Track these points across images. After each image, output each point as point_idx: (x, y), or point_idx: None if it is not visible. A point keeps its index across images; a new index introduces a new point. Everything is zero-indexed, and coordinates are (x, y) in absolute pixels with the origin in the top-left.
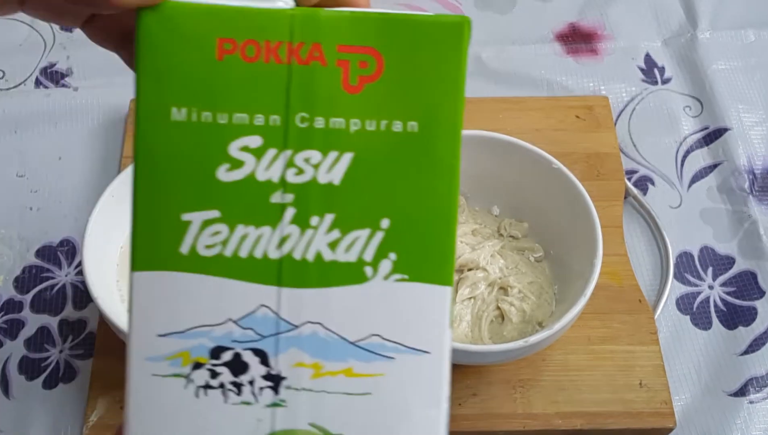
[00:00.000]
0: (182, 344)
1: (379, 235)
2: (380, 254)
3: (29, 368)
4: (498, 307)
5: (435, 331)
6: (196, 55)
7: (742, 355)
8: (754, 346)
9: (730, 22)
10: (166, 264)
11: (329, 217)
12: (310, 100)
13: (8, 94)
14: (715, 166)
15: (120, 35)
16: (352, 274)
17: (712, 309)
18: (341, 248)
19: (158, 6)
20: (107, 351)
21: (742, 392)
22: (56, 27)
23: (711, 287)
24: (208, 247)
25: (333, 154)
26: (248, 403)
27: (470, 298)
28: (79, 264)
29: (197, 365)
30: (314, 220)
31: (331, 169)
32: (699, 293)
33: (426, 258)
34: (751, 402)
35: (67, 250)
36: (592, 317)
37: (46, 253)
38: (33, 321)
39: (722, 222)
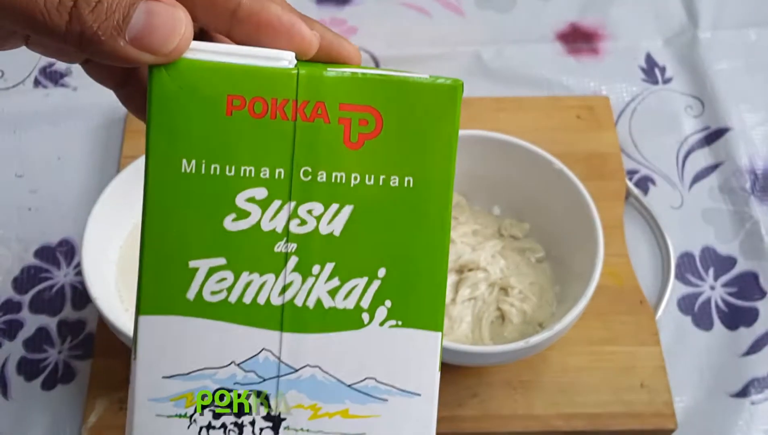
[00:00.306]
0: (186, 386)
1: (376, 284)
2: (376, 302)
3: (28, 369)
4: (499, 308)
5: (426, 375)
6: (206, 111)
7: (743, 355)
8: (755, 347)
9: (731, 22)
10: (173, 309)
11: (329, 266)
12: (314, 155)
13: (7, 94)
14: (716, 166)
15: (120, 75)
16: (350, 320)
17: (714, 310)
18: (340, 296)
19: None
20: (106, 352)
21: (743, 393)
22: None
23: (712, 288)
24: (214, 293)
25: (334, 207)
26: None
27: (471, 298)
28: (78, 264)
29: (201, 406)
30: (315, 269)
31: (332, 220)
32: (700, 294)
33: (418, 306)
34: (753, 403)
35: (66, 251)
36: (593, 318)
37: (45, 253)
38: (31, 321)
39: (724, 222)
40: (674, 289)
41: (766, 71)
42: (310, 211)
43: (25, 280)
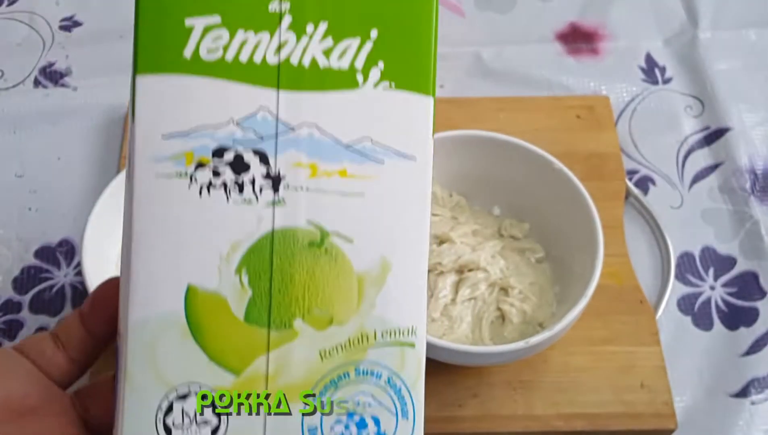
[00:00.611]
0: (186, 145)
1: (369, 45)
2: (370, 62)
3: None
4: (499, 308)
5: (420, 139)
6: None
7: (743, 355)
8: (755, 347)
9: (731, 22)
10: (171, 67)
11: (323, 25)
12: None
13: (7, 94)
14: (716, 166)
15: None
16: (344, 80)
17: (714, 310)
18: (335, 55)
19: None
20: (106, 352)
21: (743, 393)
22: (55, 26)
23: (712, 288)
24: (211, 51)
25: None
26: (249, 202)
27: (471, 298)
28: (78, 264)
29: (200, 165)
30: (309, 28)
31: None
32: (700, 294)
33: (410, 68)
34: (753, 403)
35: (66, 251)
36: (593, 318)
37: (45, 253)
38: (32, 322)
39: (723, 222)
40: (674, 289)
41: (766, 71)
42: None
43: (25, 280)
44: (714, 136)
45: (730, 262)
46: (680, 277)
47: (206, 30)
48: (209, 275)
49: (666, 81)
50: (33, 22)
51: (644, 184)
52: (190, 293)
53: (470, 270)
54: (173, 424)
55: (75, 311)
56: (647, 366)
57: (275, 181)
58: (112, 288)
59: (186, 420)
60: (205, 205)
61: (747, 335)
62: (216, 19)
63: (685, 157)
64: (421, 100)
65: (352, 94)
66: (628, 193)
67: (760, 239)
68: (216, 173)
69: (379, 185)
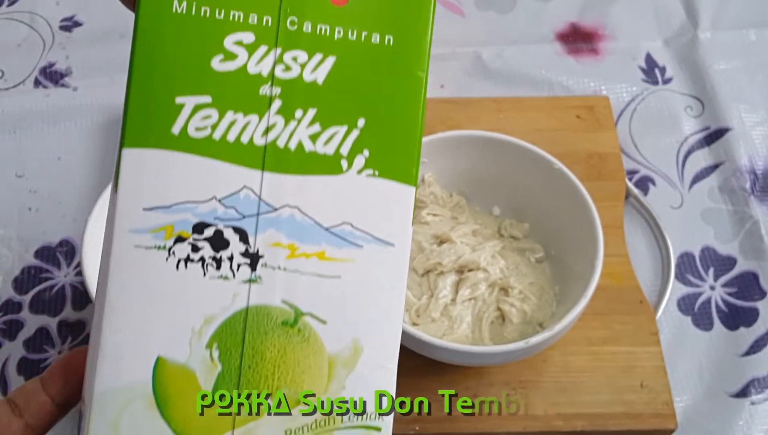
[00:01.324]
0: (167, 218)
1: (355, 133)
2: (355, 150)
3: (28, 369)
4: (499, 308)
5: (400, 226)
6: None
7: (743, 356)
8: (755, 347)
9: (731, 22)
10: (158, 142)
11: (312, 112)
12: (301, 6)
13: (7, 94)
14: (716, 166)
15: None
16: (329, 165)
17: (714, 310)
18: (321, 141)
19: None
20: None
21: (743, 393)
22: (55, 27)
23: (712, 288)
24: (199, 129)
25: (318, 56)
26: (226, 278)
27: (471, 299)
28: (79, 265)
29: (180, 239)
30: (298, 113)
31: (315, 69)
32: (700, 294)
33: (394, 158)
34: (752, 403)
35: (66, 251)
36: (592, 318)
37: (45, 253)
38: (32, 322)
39: (723, 222)
40: (674, 289)
41: (766, 71)
42: (295, 59)
43: (25, 280)
44: (714, 136)
45: (730, 262)
46: (680, 277)
47: (196, 109)
48: (180, 348)
49: (666, 81)
50: (33, 22)
51: (644, 184)
52: (158, 365)
53: (470, 270)
54: None
55: (36, 377)
56: (647, 366)
57: (253, 260)
58: (75, 356)
59: None
60: (181, 278)
61: (747, 335)
62: (207, 99)
63: (685, 157)
64: (402, 190)
65: (335, 179)
66: (628, 193)
67: (760, 239)
68: (195, 248)
69: (357, 269)
